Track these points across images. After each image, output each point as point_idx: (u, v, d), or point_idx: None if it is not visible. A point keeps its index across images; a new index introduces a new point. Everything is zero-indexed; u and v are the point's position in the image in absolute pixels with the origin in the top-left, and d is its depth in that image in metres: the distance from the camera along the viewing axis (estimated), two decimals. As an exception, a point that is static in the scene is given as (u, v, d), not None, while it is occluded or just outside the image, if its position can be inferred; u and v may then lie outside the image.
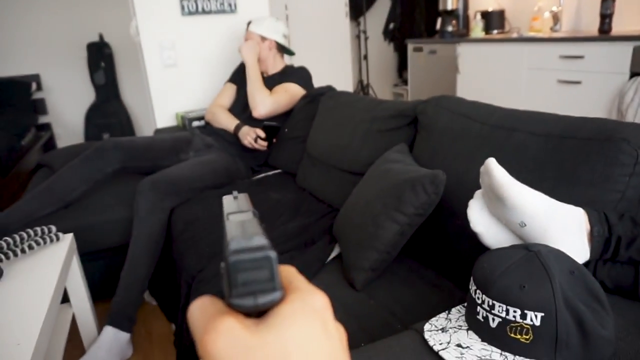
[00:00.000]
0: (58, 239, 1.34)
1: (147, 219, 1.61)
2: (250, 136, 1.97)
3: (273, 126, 1.97)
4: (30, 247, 1.26)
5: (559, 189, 0.93)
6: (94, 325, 1.50)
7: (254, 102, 2.01)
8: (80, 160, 1.73)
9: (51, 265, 1.21)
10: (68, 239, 1.37)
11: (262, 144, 1.97)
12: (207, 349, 0.21)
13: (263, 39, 2.11)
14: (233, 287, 0.22)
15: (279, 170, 2.07)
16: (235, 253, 0.22)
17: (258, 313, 0.23)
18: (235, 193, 0.28)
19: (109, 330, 1.49)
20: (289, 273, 0.25)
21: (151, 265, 1.61)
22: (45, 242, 1.31)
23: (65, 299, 1.38)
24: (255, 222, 0.25)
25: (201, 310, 0.23)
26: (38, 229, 1.33)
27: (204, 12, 2.45)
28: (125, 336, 1.52)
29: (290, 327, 0.22)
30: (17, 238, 1.26)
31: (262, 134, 1.95)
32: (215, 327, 0.21)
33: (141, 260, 1.58)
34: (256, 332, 0.22)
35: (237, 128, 2.03)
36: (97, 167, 1.73)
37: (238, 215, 0.26)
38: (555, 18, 3.06)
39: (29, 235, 1.30)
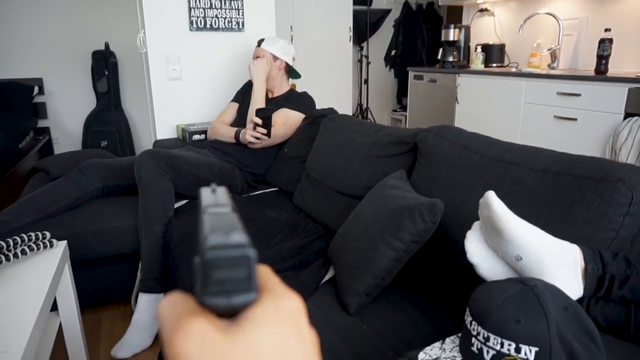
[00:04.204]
0: (52, 245, 1.34)
1: (151, 185, 1.68)
2: (249, 129, 1.98)
3: (265, 109, 1.98)
4: (23, 253, 1.25)
5: (555, 224, 0.95)
6: (80, 336, 1.48)
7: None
8: (64, 177, 1.80)
9: (43, 273, 1.20)
10: (62, 246, 1.36)
11: (262, 131, 1.96)
12: (176, 349, 0.20)
13: (275, 58, 2.16)
14: (207, 284, 0.21)
15: (275, 189, 2.08)
16: (213, 249, 0.21)
17: (230, 314, 0.22)
18: (213, 186, 0.26)
19: (143, 298, 1.60)
20: (263, 274, 0.24)
21: (162, 230, 1.67)
22: (38, 248, 1.30)
23: (53, 307, 1.36)
24: (234, 217, 0.23)
25: (171, 307, 0.22)
26: (32, 234, 1.31)
27: (212, 28, 2.49)
28: (159, 297, 1.60)
29: (262, 330, 0.21)
30: (11, 242, 1.25)
31: (258, 120, 1.95)
32: (186, 327, 0.20)
33: (152, 227, 1.65)
34: (228, 335, 0.21)
35: (237, 132, 2.07)
36: (80, 184, 1.79)
37: (216, 208, 0.24)
38: (553, 55, 3.14)
39: (22, 240, 1.28)
